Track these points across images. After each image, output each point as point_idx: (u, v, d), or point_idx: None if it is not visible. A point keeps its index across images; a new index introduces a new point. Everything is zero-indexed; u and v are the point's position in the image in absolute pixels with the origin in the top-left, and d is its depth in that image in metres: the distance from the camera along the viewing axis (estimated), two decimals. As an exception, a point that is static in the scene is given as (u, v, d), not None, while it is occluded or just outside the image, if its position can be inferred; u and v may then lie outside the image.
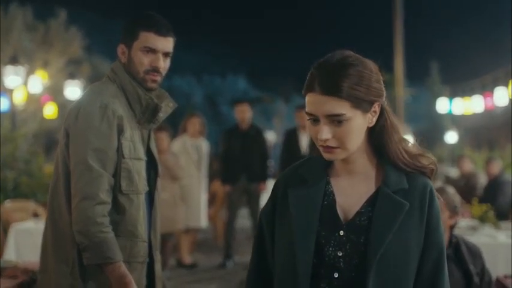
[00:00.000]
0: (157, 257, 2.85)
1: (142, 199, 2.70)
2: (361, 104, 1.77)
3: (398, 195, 1.80)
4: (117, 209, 2.62)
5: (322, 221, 1.82)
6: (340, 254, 1.79)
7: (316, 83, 1.76)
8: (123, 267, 2.55)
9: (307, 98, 1.78)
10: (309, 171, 1.89)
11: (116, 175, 2.62)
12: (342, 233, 1.80)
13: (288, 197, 1.86)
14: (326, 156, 1.80)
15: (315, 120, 1.78)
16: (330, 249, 1.80)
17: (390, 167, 1.85)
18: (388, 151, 1.85)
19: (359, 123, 1.78)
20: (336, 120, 1.75)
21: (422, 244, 1.80)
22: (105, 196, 2.57)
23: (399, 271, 1.77)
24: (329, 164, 1.89)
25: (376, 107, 1.82)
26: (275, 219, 1.91)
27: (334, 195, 1.85)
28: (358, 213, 1.82)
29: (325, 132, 1.76)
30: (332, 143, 1.77)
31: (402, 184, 1.82)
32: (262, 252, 1.95)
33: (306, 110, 1.79)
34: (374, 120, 1.82)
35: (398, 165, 1.84)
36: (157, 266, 2.84)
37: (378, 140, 1.84)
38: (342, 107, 1.75)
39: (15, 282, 3.91)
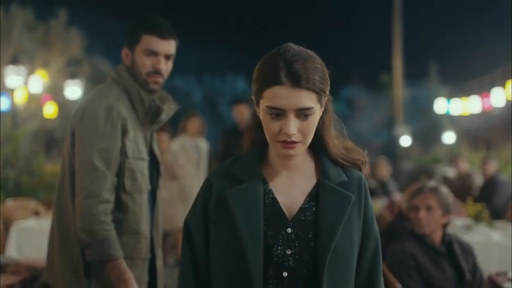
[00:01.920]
0: (159, 253, 2.94)
1: (145, 198, 2.79)
2: (322, 97, 1.75)
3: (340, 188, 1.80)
4: (121, 207, 2.71)
5: (266, 221, 1.75)
6: (289, 252, 1.74)
7: (284, 75, 1.68)
8: (124, 264, 2.64)
9: (271, 91, 1.70)
10: (243, 170, 1.82)
11: (120, 174, 2.70)
12: (289, 230, 1.76)
13: (228, 199, 1.76)
14: (286, 152, 1.74)
15: (278, 114, 1.71)
16: (279, 248, 1.74)
17: (327, 160, 1.83)
18: (327, 145, 1.83)
19: (318, 117, 1.76)
20: (303, 114, 1.70)
21: (361, 236, 1.81)
22: (108, 195, 2.65)
23: (347, 263, 1.77)
24: (261, 162, 1.84)
25: (326, 101, 1.79)
26: (208, 225, 1.81)
27: (273, 193, 1.79)
28: (301, 209, 1.78)
29: (294, 127, 1.70)
30: (296, 138, 1.72)
31: (342, 177, 1.81)
32: (194, 263, 1.84)
33: (270, 104, 1.70)
34: (321, 114, 1.78)
35: (334, 159, 1.83)
36: (159, 263, 2.93)
37: (317, 134, 1.79)
38: (312, 100, 1.71)
39: (18, 279, 4.00)
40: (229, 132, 8.29)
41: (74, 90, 13.62)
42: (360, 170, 1.88)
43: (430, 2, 27.88)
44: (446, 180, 10.79)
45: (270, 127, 1.73)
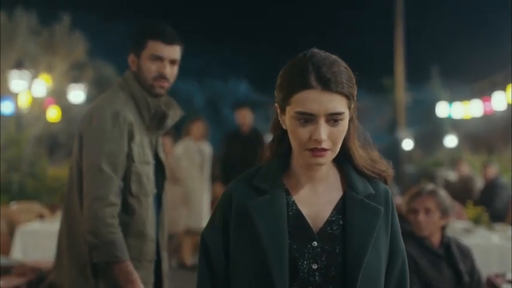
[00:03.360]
0: (165, 256, 3.01)
1: (151, 201, 2.86)
2: (351, 102, 1.68)
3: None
4: (128, 210, 2.78)
5: (291, 234, 1.67)
6: (315, 266, 1.66)
7: (313, 79, 1.62)
8: (130, 266, 2.71)
9: (300, 96, 1.63)
10: (265, 181, 1.72)
11: (126, 178, 2.78)
12: (315, 244, 1.67)
13: (249, 211, 1.68)
14: (315, 160, 1.66)
15: (307, 120, 1.63)
16: (305, 262, 1.66)
17: (353, 172, 1.75)
18: (352, 156, 1.75)
19: (347, 123, 1.69)
20: (334, 119, 1.63)
21: (388, 251, 1.73)
22: (115, 198, 2.72)
23: (375, 280, 1.69)
24: (284, 172, 1.75)
25: (353, 108, 1.72)
26: (228, 239, 1.73)
27: (296, 205, 1.71)
28: (328, 221, 1.70)
29: (324, 132, 1.63)
30: (326, 145, 1.64)
31: (369, 189, 1.73)
32: (212, 280, 1.76)
33: (299, 109, 1.63)
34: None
35: (361, 170, 1.76)
36: (165, 265, 3.00)
37: (342, 143, 1.70)
38: (342, 105, 1.64)
39: (23, 280, 4.05)
40: (232, 136, 8.35)
41: (77, 94, 13.68)
42: (386, 182, 1.80)
43: (432, 5, 27.93)
44: (447, 184, 10.85)
45: (299, 134, 1.65)
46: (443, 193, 3.79)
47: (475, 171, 11.69)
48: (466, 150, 18.28)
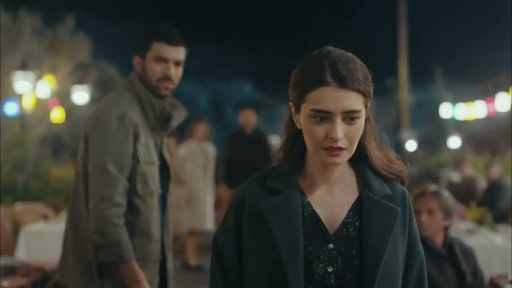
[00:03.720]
0: (170, 256, 3.04)
1: (156, 201, 2.89)
2: (368, 100, 1.64)
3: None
4: (133, 211, 2.81)
5: (306, 235, 1.63)
6: (330, 269, 1.62)
7: (329, 76, 1.58)
8: (136, 266, 2.73)
9: (316, 93, 1.59)
10: (279, 181, 1.69)
11: (132, 179, 2.80)
12: (331, 246, 1.63)
13: (263, 211, 1.64)
14: (331, 160, 1.61)
15: (322, 118, 1.59)
16: (320, 265, 1.62)
17: (369, 172, 1.71)
18: (369, 156, 1.71)
19: (363, 122, 1.64)
20: (350, 117, 1.59)
21: (405, 253, 1.68)
22: (121, 199, 2.75)
23: (393, 283, 1.65)
24: (298, 173, 1.70)
25: (370, 106, 1.67)
26: (241, 241, 1.69)
27: (311, 205, 1.67)
28: (344, 223, 1.65)
29: (341, 131, 1.58)
30: (342, 144, 1.59)
31: (385, 190, 1.69)
32: (224, 282, 1.72)
33: (315, 106, 1.59)
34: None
35: (378, 170, 1.71)
36: (170, 265, 3.03)
37: (358, 143, 1.65)
38: (359, 103, 1.60)
39: (28, 280, 4.07)
40: (236, 136, 8.37)
41: (81, 95, 13.73)
42: (403, 183, 1.75)
43: (435, 7, 27.93)
44: (451, 185, 10.85)
45: (314, 132, 1.60)
46: (446, 194, 3.81)
47: (478, 172, 11.70)
48: (470, 151, 18.27)
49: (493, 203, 7.84)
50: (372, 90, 1.64)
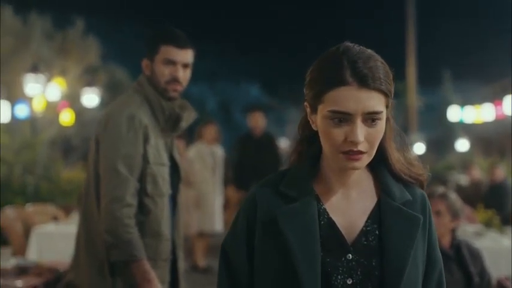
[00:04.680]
0: (181, 255, 3.09)
1: (166, 201, 2.94)
2: (389, 101, 1.53)
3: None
4: (143, 211, 2.86)
5: (323, 245, 1.53)
6: (349, 281, 1.53)
7: (349, 75, 1.48)
8: (147, 265, 2.78)
9: (335, 93, 1.48)
10: (294, 186, 1.59)
11: (142, 179, 2.85)
12: (350, 256, 1.53)
13: (278, 219, 1.54)
14: (351, 164, 1.51)
15: (341, 120, 1.49)
16: (339, 277, 1.52)
17: (388, 176, 1.61)
18: (388, 159, 1.61)
19: (384, 123, 1.53)
20: (371, 118, 1.49)
21: (425, 261, 1.60)
22: (131, 199, 2.80)
23: None
24: (313, 177, 1.61)
25: (390, 107, 1.56)
26: (252, 250, 1.60)
27: (328, 213, 1.57)
28: (362, 231, 1.56)
29: (361, 133, 1.48)
30: (363, 147, 1.49)
31: (406, 196, 1.59)
32: None
33: (334, 107, 1.48)
34: None
35: (398, 174, 1.62)
36: (181, 264, 3.08)
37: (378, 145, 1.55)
38: (381, 103, 1.50)
39: (41, 280, 4.12)
40: (244, 139, 8.40)
41: (91, 98, 13.79)
42: (422, 187, 1.65)
43: (444, 9, 27.92)
44: (459, 188, 10.86)
45: (333, 135, 1.49)
46: (453, 196, 3.84)
47: (486, 175, 11.72)
48: (478, 154, 18.26)
49: (499, 204, 7.86)
50: (393, 89, 1.54)
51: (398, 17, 21.44)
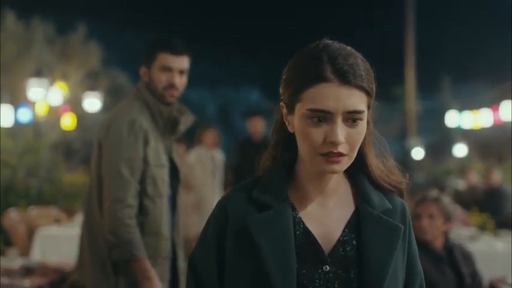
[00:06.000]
0: (181, 254, 3.21)
1: (165, 201, 3.07)
2: (371, 100, 1.46)
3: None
4: (143, 211, 2.98)
5: (299, 256, 1.44)
6: None
7: (329, 71, 1.40)
8: (148, 263, 2.90)
9: (314, 91, 1.40)
10: (268, 193, 1.49)
11: (143, 181, 2.98)
12: (327, 268, 1.45)
13: (250, 229, 1.44)
14: (330, 168, 1.42)
15: (321, 120, 1.40)
16: None
17: (367, 183, 1.53)
18: (368, 165, 1.52)
19: (366, 124, 1.45)
20: (352, 118, 1.41)
21: (405, 273, 1.53)
22: (133, 200, 2.93)
23: None
24: (288, 184, 1.51)
25: (371, 108, 1.49)
26: (222, 261, 1.49)
27: (303, 222, 1.47)
28: (340, 241, 1.47)
29: (342, 134, 1.40)
30: (343, 149, 1.41)
31: (385, 204, 1.51)
32: None
33: (313, 105, 1.40)
34: None
35: (377, 181, 1.53)
36: (181, 263, 3.19)
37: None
38: (362, 102, 1.42)
39: (46, 280, 4.24)
40: (244, 144, 8.49)
41: (92, 102, 13.88)
42: (402, 196, 1.57)
43: (443, 15, 28.06)
44: (457, 193, 10.97)
45: (311, 135, 1.41)
46: (446, 199, 3.97)
47: (482, 179, 11.81)
48: (476, 159, 18.35)
49: (494, 209, 7.96)
50: (374, 88, 1.46)
51: (397, 22, 21.57)
